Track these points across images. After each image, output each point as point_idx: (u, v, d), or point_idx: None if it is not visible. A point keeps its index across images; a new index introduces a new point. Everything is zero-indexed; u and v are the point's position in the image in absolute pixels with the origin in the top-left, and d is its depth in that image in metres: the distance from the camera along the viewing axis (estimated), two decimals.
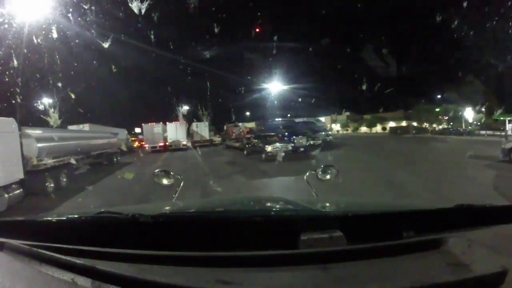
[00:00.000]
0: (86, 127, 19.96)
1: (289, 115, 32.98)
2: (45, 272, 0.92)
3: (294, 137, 18.75)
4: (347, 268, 0.87)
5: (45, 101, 23.71)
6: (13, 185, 8.71)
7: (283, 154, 16.00)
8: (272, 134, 19.27)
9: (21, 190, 8.88)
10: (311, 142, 20.27)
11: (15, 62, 11.66)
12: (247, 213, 1.51)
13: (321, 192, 2.34)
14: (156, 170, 2.31)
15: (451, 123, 38.84)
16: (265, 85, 32.92)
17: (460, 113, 37.61)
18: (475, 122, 37.51)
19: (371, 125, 53.61)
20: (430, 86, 41.56)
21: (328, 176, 2.33)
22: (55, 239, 1.03)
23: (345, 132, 56.11)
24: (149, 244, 0.98)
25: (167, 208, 1.73)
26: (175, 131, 28.66)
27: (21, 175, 8.99)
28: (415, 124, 43.79)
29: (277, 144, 16.96)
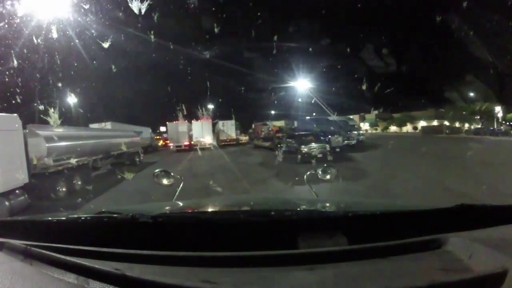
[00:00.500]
0: (108, 125, 19.06)
1: (314, 113, 31.01)
2: (45, 272, 0.90)
3: (329, 136, 17.21)
4: (347, 268, 0.85)
5: (70, 101, 23.53)
6: (17, 191, 7.53)
7: (320, 155, 14.48)
8: (307, 133, 17.58)
9: (26, 196, 7.68)
10: (346, 142, 18.89)
11: (15, 62, 11.51)
12: (246, 213, 1.47)
13: (324, 193, 2.58)
14: (156, 170, 2.29)
15: (483, 123, 36.87)
16: (290, 83, 31.16)
17: (492, 112, 35.53)
18: (505, 122, 36.19)
19: (401, 124, 51.92)
20: (461, 84, 38.39)
21: (328, 176, 2.31)
22: (55, 239, 1.04)
23: (374, 131, 54.52)
24: (149, 244, 0.98)
25: (167, 208, 1.67)
26: (200, 130, 27.41)
27: (25, 179, 7.76)
28: (446, 123, 41.90)
29: (314, 144, 15.18)
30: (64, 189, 9.17)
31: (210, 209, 1.75)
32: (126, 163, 16.07)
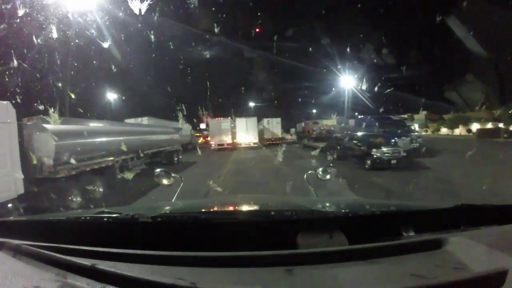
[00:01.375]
0: (144, 120, 17.37)
1: (356, 113, 27.95)
2: (45, 272, 0.89)
3: (396, 138, 14.36)
4: (347, 268, 0.84)
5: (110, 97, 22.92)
6: (8, 205, 5.46)
7: (394, 161, 11.95)
8: (375, 134, 14.97)
9: (20, 211, 5.65)
10: (411, 145, 15.97)
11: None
12: (246, 213, 1.46)
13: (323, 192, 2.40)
14: (157, 170, 2.26)
15: None
16: (335, 81, 28.99)
17: None
18: None
19: (452, 126, 46.40)
20: None
21: (328, 176, 2.30)
22: (55, 239, 1.04)
23: (424, 133, 49.18)
24: (148, 244, 0.97)
25: (167, 208, 1.68)
26: (245, 127, 25.17)
27: (20, 189, 5.69)
28: (501, 125, 36.68)
29: (385, 148, 12.24)
30: (78, 199, 7.05)
31: (210, 210, 1.71)
32: (162, 163, 14.07)
